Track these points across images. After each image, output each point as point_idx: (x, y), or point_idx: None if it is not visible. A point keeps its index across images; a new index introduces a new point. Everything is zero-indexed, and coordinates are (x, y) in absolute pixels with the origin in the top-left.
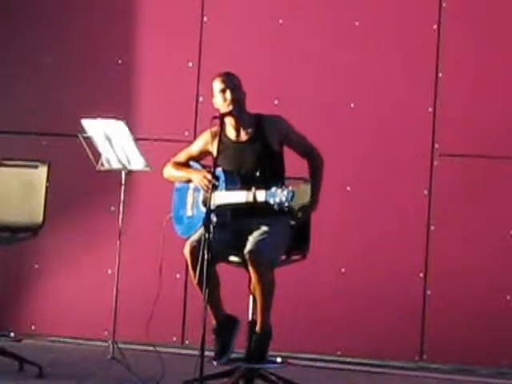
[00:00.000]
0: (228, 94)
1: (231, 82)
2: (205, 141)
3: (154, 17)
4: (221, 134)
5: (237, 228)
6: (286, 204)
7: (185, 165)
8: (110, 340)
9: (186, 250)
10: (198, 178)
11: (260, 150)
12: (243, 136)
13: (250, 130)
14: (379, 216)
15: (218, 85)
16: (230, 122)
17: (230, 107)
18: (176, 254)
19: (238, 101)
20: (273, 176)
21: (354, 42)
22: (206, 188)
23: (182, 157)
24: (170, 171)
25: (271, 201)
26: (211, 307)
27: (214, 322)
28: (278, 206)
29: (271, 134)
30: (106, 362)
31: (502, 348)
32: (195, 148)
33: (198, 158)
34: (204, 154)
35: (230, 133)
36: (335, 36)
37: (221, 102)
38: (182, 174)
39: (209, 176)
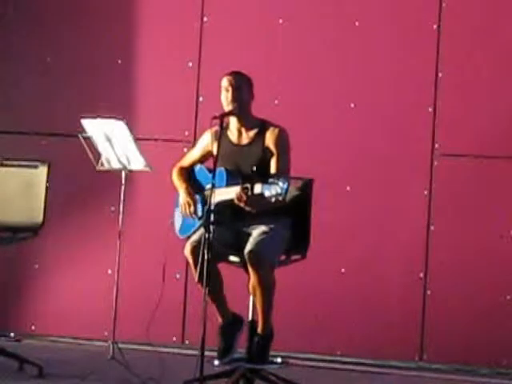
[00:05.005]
0: (230, 94)
1: (236, 82)
2: (206, 142)
3: (153, 17)
4: (221, 135)
5: (236, 227)
6: (281, 196)
7: (187, 171)
8: (110, 340)
9: (187, 250)
10: (182, 199)
11: (257, 156)
12: (244, 139)
13: (251, 134)
14: (379, 216)
15: (223, 83)
16: (233, 122)
17: (230, 107)
18: (176, 255)
19: (239, 101)
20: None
21: (354, 41)
22: (183, 214)
23: (186, 161)
24: (173, 177)
25: (267, 193)
26: (217, 306)
27: (220, 320)
28: (274, 197)
29: (269, 141)
30: (106, 362)
31: (501, 348)
32: (197, 151)
33: (201, 160)
34: (206, 155)
35: (232, 134)
36: (335, 36)
37: (224, 100)
38: (177, 186)
39: (192, 208)
